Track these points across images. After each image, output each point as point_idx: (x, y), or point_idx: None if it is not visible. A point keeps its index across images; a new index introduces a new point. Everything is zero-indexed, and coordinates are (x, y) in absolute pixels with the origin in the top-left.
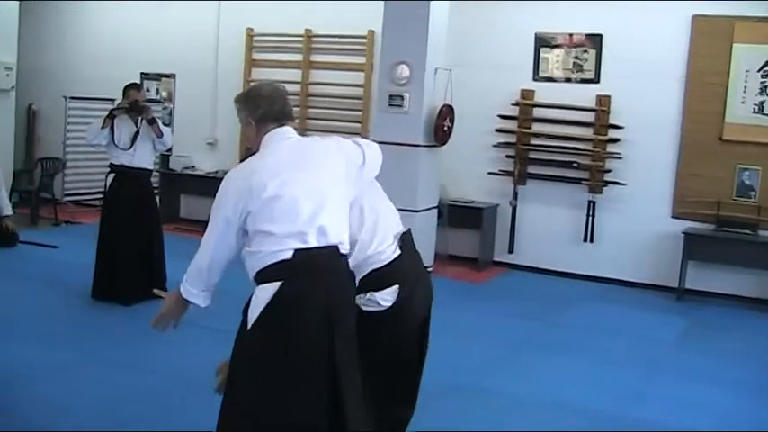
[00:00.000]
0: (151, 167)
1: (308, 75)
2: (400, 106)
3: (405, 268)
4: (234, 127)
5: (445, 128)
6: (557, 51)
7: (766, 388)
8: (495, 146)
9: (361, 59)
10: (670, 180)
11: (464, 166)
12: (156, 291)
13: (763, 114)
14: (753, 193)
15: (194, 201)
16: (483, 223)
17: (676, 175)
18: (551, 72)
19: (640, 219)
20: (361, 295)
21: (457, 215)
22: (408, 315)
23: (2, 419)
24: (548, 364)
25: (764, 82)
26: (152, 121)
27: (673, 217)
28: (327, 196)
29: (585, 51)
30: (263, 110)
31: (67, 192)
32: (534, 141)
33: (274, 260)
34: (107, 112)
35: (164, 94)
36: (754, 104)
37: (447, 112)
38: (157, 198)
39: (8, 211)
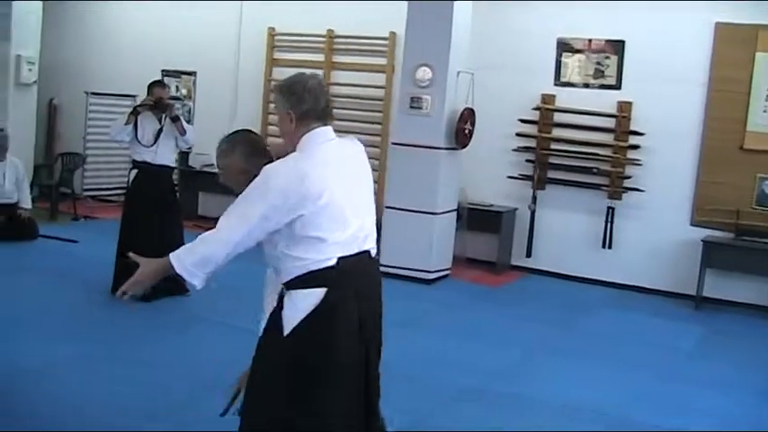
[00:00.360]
0: (173, 164)
1: (329, 75)
2: (422, 108)
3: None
4: (254, 126)
5: (466, 131)
6: (578, 56)
7: None
8: (515, 150)
9: (382, 61)
10: (690, 188)
11: (484, 169)
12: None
13: None
14: None
15: (212, 198)
16: (501, 227)
17: (696, 182)
18: (573, 77)
19: (659, 226)
20: None
21: (476, 218)
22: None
23: (20, 414)
24: (565, 369)
25: None
26: (175, 119)
27: (692, 225)
28: (366, 203)
29: (607, 57)
30: (307, 106)
31: (87, 187)
32: (554, 146)
33: (318, 267)
34: (131, 109)
35: (184, 91)
36: None
37: (468, 115)
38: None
39: (27, 204)
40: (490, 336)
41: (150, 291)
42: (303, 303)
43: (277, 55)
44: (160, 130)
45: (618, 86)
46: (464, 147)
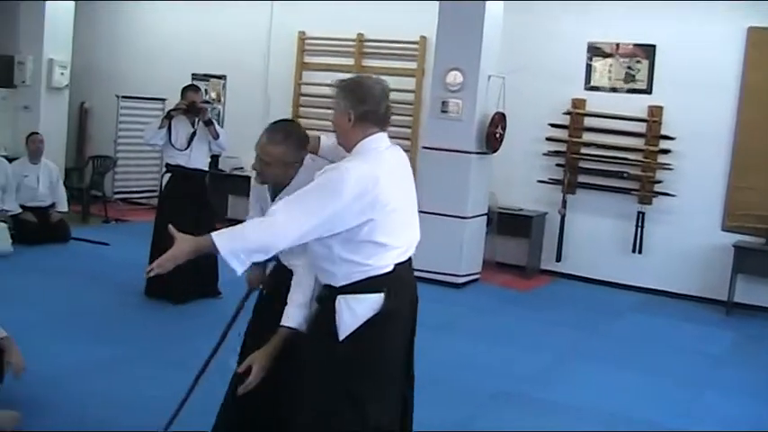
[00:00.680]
0: (206, 168)
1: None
2: (453, 113)
3: None
4: None
5: (497, 135)
6: (609, 61)
7: None
8: (545, 154)
9: (412, 65)
10: (721, 192)
11: (514, 173)
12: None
13: None
14: None
15: (242, 201)
16: (531, 231)
17: (727, 187)
18: (603, 81)
19: (690, 231)
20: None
21: (505, 222)
22: None
23: (54, 415)
24: (595, 374)
25: None
26: (209, 123)
27: (723, 230)
28: (415, 211)
29: (638, 61)
30: (368, 108)
31: (117, 190)
32: (584, 150)
33: (378, 272)
34: (163, 113)
35: (213, 94)
36: None
37: (499, 119)
38: None
39: (63, 207)
40: (521, 340)
41: (182, 293)
42: (361, 309)
43: (307, 59)
44: (193, 134)
45: (649, 91)
46: (495, 151)
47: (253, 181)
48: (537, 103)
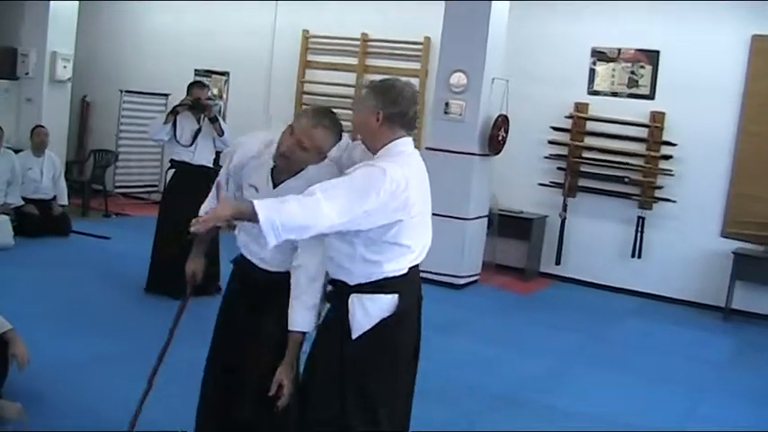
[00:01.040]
0: (211, 165)
1: (362, 78)
2: (456, 114)
3: None
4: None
5: (500, 138)
6: (612, 66)
7: None
8: (546, 157)
9: (416, 65)
10: (721, 199)
11: (515, 176)
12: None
13: None
14: None
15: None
16: (531, 234)
17: (728, 194)
18: (606, 86)
19: (690, 236)
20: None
21: (506, 225)
22: None
23: (55, 411)
24: (594, 379)
25: None
26: (214, 120)
27: (722, 236)
28: (430, 216)
29: (642, 67)
30: (398, 110)
31: (118, 184)
32: (586, 154)
33: (395, 273)
34: (167, 108)
35: (215, 91)
36: None
37: (502, 122)
38: None
39: (64, 200)
40: (521, 344)
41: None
42: (374, 308)
43: (311, 57)
44: (198, 131)
45: (651, 96)
46: (497, 153)
47: (235, 158)
48: (539, 106)
